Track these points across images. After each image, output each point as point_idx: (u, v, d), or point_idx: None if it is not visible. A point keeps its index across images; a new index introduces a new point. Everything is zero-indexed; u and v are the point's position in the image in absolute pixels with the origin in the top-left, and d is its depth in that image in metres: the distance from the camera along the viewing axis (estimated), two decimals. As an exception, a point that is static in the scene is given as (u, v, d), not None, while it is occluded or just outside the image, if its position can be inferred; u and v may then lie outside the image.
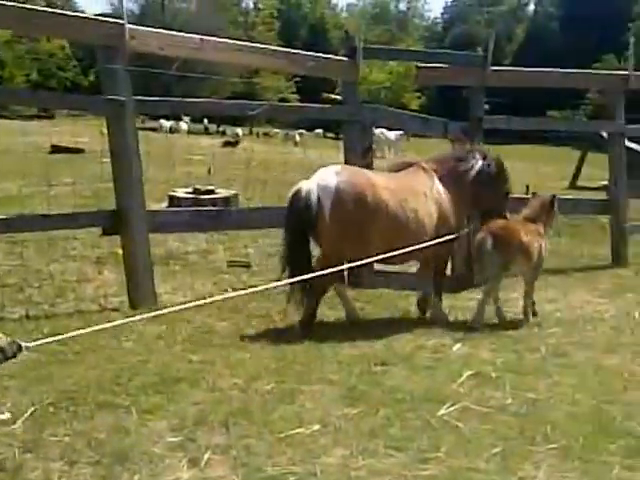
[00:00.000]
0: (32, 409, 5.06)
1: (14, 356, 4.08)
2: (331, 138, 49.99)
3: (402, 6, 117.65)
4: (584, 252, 12.08)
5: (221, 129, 56.67)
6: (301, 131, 50.53)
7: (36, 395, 5.30)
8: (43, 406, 5.12)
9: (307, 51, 9.60)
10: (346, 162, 9.24)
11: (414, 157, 9.08)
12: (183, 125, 48.00)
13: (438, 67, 10.29)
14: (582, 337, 7.36)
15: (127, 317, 5.82)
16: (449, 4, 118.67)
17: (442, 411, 5.27)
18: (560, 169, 28.61)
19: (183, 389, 5.53)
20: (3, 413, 5.00)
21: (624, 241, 11.57)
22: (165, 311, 5.65)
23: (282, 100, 54.16)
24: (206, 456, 4.47)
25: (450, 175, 8.07)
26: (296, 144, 43.21)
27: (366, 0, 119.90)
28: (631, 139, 16.10)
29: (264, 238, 11.64)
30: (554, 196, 8.24)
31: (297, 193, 7.27)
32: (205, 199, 14.24)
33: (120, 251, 8.30)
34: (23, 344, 4.14)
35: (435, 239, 7.64)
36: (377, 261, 7.47)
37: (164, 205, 14.35)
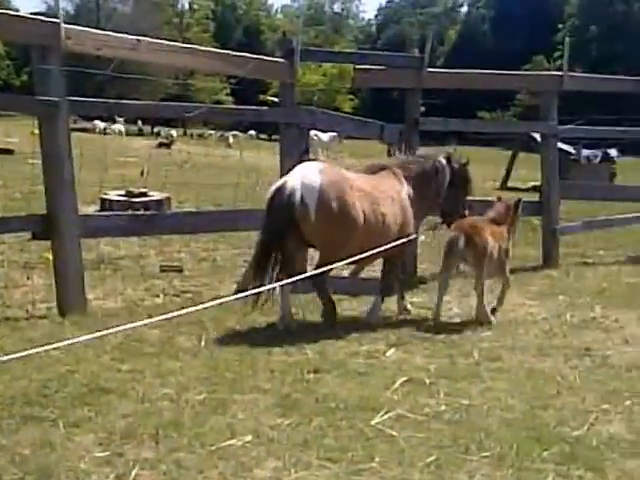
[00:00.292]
0: (-48, 424, 4.87)
1: None
2: (265, 139, 49.89)
3: (337, 7, 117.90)
4: (515, 253, 12.03)
5: (155, 130, 56.14)
6: (235, 133, 50.36)
7: (-43, 409, 5.11)
8: (-36, 420, 4.94)
9: (242, 52, 9.49)
10: (282, 165, 9.22)
11: (387, 160, 9.18)
12: (118, 126, 47.43)
13: (375, 69, 10.26)
14: (515, 340, 7.38)
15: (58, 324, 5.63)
16: (383, 6, 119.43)
17: (376, 419, 5.21)
18: (490, 170, 28.90)
19: (112, 400, 5.38)
20: None
21: (555, 242, 11.68)
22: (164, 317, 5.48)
23: (217, 102, 53.94)
24: (134, 472, 4.32)
25: (417, 178, 8.33)
26: (230, 146, 43.02)
27: (301, 1, 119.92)
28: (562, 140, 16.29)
29: (196, 242, 11.50)
30: (519, 200, 8.60)
31: (280, 190, 7.28)
32: (138, 202, 14.02)
33: (50, 255, 8.07)
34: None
35: (397, 240, 7.87)
36: (348, 264, 7.70)
37: (95, 208, 14.10)
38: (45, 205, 7.93)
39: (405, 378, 6.06)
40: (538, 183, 12.35)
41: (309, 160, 9.42)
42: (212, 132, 56.42)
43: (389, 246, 7.73)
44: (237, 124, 51.57)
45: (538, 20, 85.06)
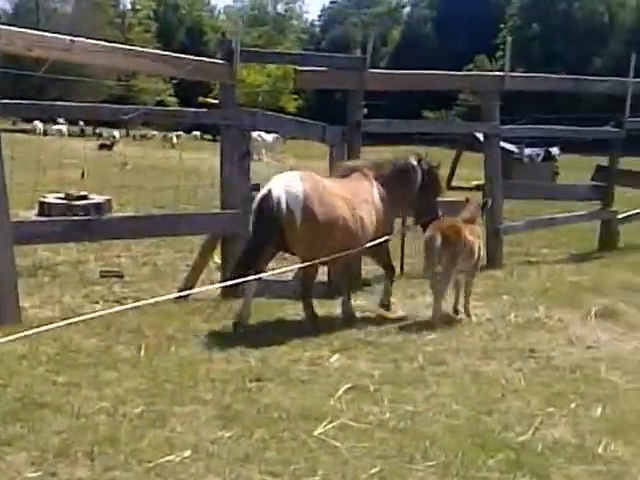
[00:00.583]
0: None
1: None
2: (209, 140, 49.55)
3: (280, 8, 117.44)
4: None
5: (97, 131, 55.37)
6: (179, 133, 49.94)
7: None
8: None
9: (184, 53, 9.30)
10: (222, 166, 9.16)
11: (356, 162, 9.08)
12: (59, 127, 46.68)
13: (317, 70, 10.15)
14: (459, 343, 7.32)
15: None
16: (326, 6, 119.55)
17: (319, 430, 5.10)
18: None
19: (46, 416, 5.17)
20: None
21: (499, 242, 11.68)
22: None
23: (159, 102, 53.37)
24: (67, 492, 4.16)
25: (387, 179, 8.49)
26: (173, 146, 42.63)
27: (244, 2, 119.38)
28: (505, 139, 16.36)
29: (137, 246, 11.27)
30: (486, 201, 8.92)
31: (267, 198, 7.46)
32: (77, 205, 13.74)
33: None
34: None
35: (373, 241, 8.14)
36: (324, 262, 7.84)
37: (33, 212, 13.78)
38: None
39: (349, 385, 5.96)
40: (482, 182, 12.33)
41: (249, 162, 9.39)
42: (155, 133, 55.85)
43: (354, 252, 7.96)
44: (181, 125, 51.10)
45: (480, 20, 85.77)
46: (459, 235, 8.03)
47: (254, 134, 28.36)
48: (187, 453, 4.65)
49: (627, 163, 13.96)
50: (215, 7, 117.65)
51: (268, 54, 14.48)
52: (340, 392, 5.81)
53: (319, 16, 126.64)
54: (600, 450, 4.94)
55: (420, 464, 4.66)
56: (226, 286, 7.38)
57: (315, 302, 8.55)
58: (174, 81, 51.20)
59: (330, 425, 5.18)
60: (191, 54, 9.34)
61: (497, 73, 12.19)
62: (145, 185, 14.47)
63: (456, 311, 8.40)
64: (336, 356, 6.76)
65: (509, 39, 12.65)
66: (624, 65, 12.99)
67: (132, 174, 15.96)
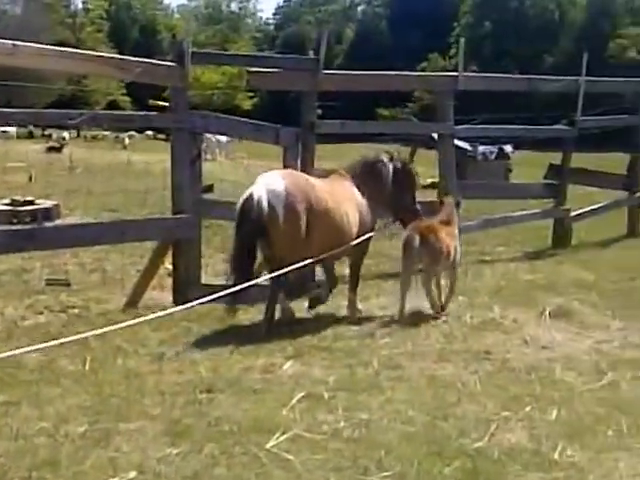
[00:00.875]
0: None
1: None
2: (162, 139, 49.08)
3: (234, 6, 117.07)
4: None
5: (47, 133, 54.41)
6: (131, 133, 49.36)
7: None
8: None
9: (138, 53, 9.09)
10: (173, 170, 8.97)
11: (334, 166, 9.13)
12: (7, 129, 45.90)
13: (269, 72, 9.99)
14: (415, 346, 7.20)
15: None
16: (281, 4, 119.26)
17: (271, 442, 4.95)
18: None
19: (-18, 439, 4.93)
20: None
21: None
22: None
23: (112, 102, 52.73)
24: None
25: (362, 180, 8.57)
26: (125, 147, 42.15)
27: (198, 0, 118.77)
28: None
29: (85, 252, 11.00)
30: (459, 201, 9.00)
31: (248, 200, 7.54)
32: (24, 211, 13.43)
33: None
34: None
35: (355, 240, 8.26)
36: (310, 264, 8.01)
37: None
38: None
39: (303, 393, 5.81)
40: (436, 180, 12.28)
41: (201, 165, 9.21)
42: (107, 133, 55.11)
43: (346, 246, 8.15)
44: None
45: (434, 18, 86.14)
46: (436, 235, 8.17)
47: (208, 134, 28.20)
48: (132, 474, 4.46)
49: (578, 159, 13.97)
50: (169, 6, 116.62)
51: (220, 56, 14.32)
52: (294, 401, 5.66)
53: (273, 14, 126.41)
54: (556, 456, 4.85)
55: (375, 475, 4.55)
56: (229, 294, 7.17)
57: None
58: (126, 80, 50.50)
59: (283, 437, 5.03)
60: (144, 53, 9.14)
61: (451, 73, 12.13)
62: (95, 188, 14.18)
63: (442, 308, 8.44)
64: (289, 363, 6.61)
65: (462, 40, 12.66)
66: (575, 63, 13.05)
67: (82, 177, 15.66)
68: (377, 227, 8.96)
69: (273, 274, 7.50)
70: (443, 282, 8.66)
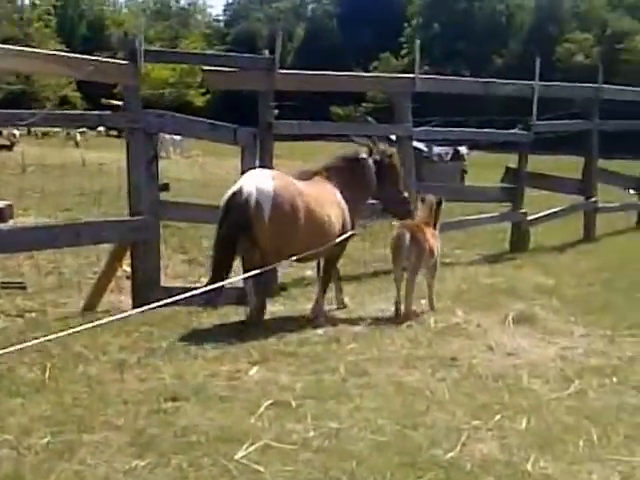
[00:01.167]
0: None
1: None
2: (114, 136, 48.44)
3: (183, 2, 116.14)
4: (376, 256, 11.95)
5: (-4, 130, 53.40)
6: (83, 130, 48.58)
7: None
8: None
9: (86, 49, 8.89)
10: (130, 171, 8.77)
11: (312, 167, 9.10)
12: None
13: (225, 71, 9.86)
14: (380, 352, 7.13)
15: None
16: (230, 1, 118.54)
17: (240, 453, 4.84)
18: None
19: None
20: None
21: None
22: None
23: (63, 98, 51.90)
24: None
25: (344, 178, 8.67)
26: (77, 144, 41.54)
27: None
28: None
29: (40, 253, 10.73)
30: (440, 200, 9.05)
31: (236, 195, 7.68)
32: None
33: None
34: None
35: (337, 237, 8.39)
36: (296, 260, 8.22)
37: None
38: None
39: (270, 401, 5.71)
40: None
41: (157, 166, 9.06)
42: (58, 130, 54.23)
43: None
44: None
45: (385, 17, 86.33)
46: (424, 235, 8.39)
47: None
48: (99, 488, 4.34)
49: (534, 162, 14.04)
50: (116, 1, 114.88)
51: (174, 54, 14.12)
52: (261, 409, 5.55)
53: (224, 11, 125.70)
54: (529, 467, 4.80)
55: (348, 487, 4.46)
56: (209, 290, 7.24)
57: (232, 309, 8.38)
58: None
59: (252, 447, 4.92)
60: (93, 49, 8.95)
61: (408, 75, 12.11)
62: (49, 188, 13.86)
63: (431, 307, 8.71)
64: (255, 369, 6.50)
65: (418, 42, 12.59)
66: (523, 65, 13.16)
67: (35, 176, 15.31)
68: (357, 227, 9.02)
69: (249, 274, 7.64)
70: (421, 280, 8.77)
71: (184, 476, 4.52)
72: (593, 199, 15.02)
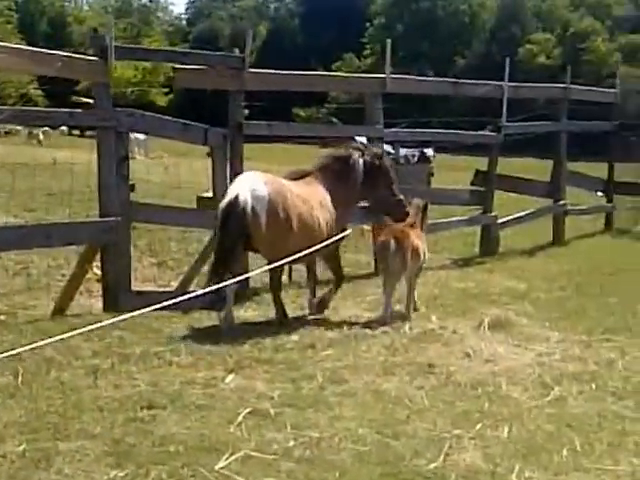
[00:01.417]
0: None
1: None
2: (77, 136, 47.95)
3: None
4: (346, 260, 11.83)
5: (-43, 128, 52.46)
6: (46, 129, 47.96)
7: None
8: None
9: (48, 46, 8.67)
10: (100, 171, 8.58)
11: (304, 168, 9.14)
12: None
13: (197, 69, 9.74)
14: (357, 359, 7.05)
15: None
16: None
17: (221, 463, 4.75)
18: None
19: None
20: None
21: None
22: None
23: (23, 96, 51.19)
24: None
25: (335, 181, 8.73)
26: (41, 143, 40.99)
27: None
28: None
29: (7, 254, 10.48)
30: (426, 203, 9.21)
31: (232, 203, 7.81)
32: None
33: None
34: None
35: (329, 237, 8.43)
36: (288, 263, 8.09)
37: None
38: None
39: (249, 410, 5.61)
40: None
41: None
42: (20, 128, 53.44)
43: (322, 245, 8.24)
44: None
45: (347, 17, 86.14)
46: (409, 239, 8.47)
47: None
48: (78, 500, 4.22)
49: (501, 163, 14.03)
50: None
51: (145, 51, 13.95)
52: (240, 418, 5.46)
53: (186, 9, 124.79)
54: (514, 477, 4.76)
55: (331, 500, 4.39)
56: (207, 293, 7.10)
57: (203, 314, 8.27)
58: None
59: (232, 457, 4.84)
60: (54, 46, 8.74)
61: (378, 75, 12.06)
62: (14, 187, 13.55)
63: (415, 309, 8.85)
64: (231, 376, 6.39)
65: (389, 40, 12.55)
66: (487, 65, 13.18)
67: (1, 175, 14.96)
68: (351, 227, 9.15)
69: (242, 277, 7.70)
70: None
71: (164, 488, 4.41)
72: (562, 202, 15.08)
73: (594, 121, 17.49)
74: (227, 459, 4.80)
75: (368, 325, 8.21)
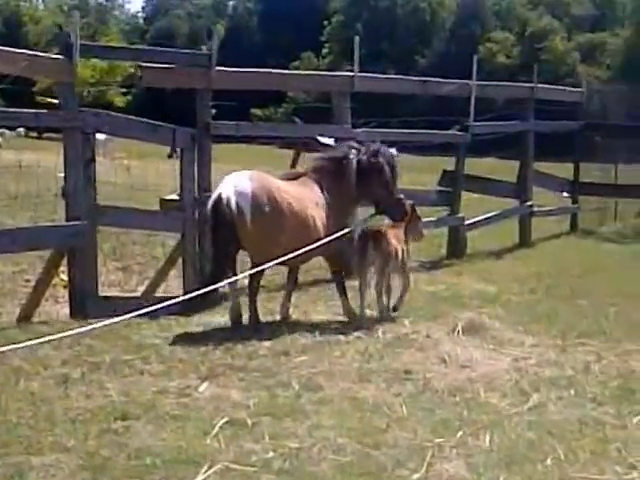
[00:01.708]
0: None
1: None
2: (34, 138, 47.27)
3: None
4: (314, 263, 11.68)
5: None
6: (2, 130, 47.22)
7: None
8: None
9: (3, 45, 8.42)
10: (67, 173, 8.39)
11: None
12: None
13: (163, 68, 9.57)
14: (332, 365, 6.94)
15: None
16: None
17: (200, 477, 4.64)
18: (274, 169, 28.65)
19: None
20: None
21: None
22: None
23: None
24: None
25: (332, 180, 8.64)
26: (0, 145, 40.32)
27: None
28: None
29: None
30: (413, 204, 9.23)
31: (217, 202, 7.81)
32: None
33: None
34: None
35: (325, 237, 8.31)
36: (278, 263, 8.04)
37: None
38: None
39: (225, 419, 5.49)
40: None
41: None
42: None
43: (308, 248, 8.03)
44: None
45: (306, 16, 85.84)
46: (387, 240, 8.47)
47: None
48: (54, 517, 4.07)
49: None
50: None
51: (111, 49, 13.73)
52: (216, 429, 5.33)
53: (143, 7, 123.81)
54: (499, 488, 4.70)
55: (315, 513, 4.28)
56: (200, 295, 7.17)
57: (172, 320, 8.15)
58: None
59: (211, 470, 4.71)
60: (9, 46, 8.49)
61: (346, 73, 11.97)
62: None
63: (395, 309, 8.91)
64: (205, 384, 6.26)
65: (357, 38, 12.41)
66: (447, 63, 13.21)
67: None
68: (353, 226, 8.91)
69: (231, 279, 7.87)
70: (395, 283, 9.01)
71: (143, 504, 4.28)
72: (529, 203, 15.10)
73: (559, 121, 17.57)
74: (205, 472, 4.68)
75: (341, 330, 8.10)
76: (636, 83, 32.04)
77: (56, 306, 8.79)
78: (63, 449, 4.91)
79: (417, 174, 19.49)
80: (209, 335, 7.79)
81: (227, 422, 5.46)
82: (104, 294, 8.75)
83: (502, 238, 14.83)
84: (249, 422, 5.49)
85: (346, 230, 8.66)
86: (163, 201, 12.83)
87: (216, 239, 7.99)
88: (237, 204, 7.75)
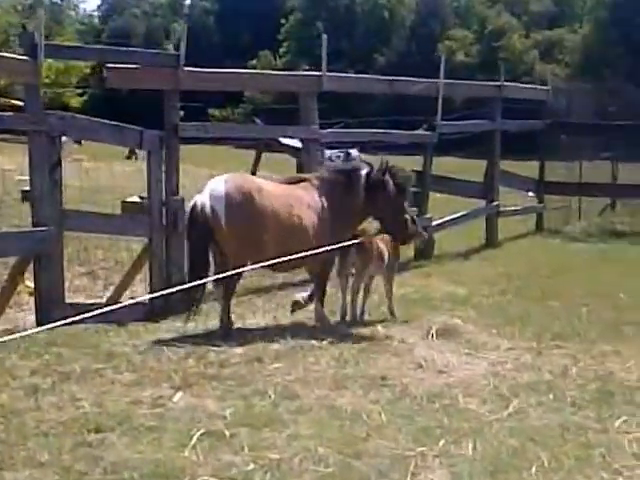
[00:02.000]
0: None
1: None
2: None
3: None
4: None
5: None
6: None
7: None
8: None
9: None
10: (32, 177, 8.26)
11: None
12: None
13: (130, 68, 9.39)
14: (307, 372, 6.83)
15: None
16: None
17: (180, 492, 4.49)
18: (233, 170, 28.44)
19: None
20: None
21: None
22: None
23: None
24: None
25: (331, 188, 8.53)
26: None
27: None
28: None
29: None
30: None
31: (194, 208, 7.83)
32: None
33: None
34: None
35: (319, 247, 8.01)
36: (267, 266, 8.03)
37: None
38: None
39: (202, 431, 5.34)
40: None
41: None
42: None
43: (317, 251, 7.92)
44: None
45: (263, 15, 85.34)
46: (370, 242, 8.59)
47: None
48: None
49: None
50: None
51: (76, 49, 13.45)
52: (194, 440, 5.18)
53: (98, 6, 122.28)
54: (486, 498, 4.63)
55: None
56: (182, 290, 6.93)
57: (140, 327, 8.01)
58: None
59: (191, 484, 4.58)
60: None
61: (315, 73, 11.88)
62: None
63: (363, 312, 8.96)
64: (179, 394, 6.12)
65: (325, 36, 12.34)
66: (407, 62, 13.24)
67: None
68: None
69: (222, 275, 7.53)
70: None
71: (122, 521, 4.14)
72: (495, 203, 15.10)
73: (526, 120, 17.65)
74: (185, 487, 4.55)
75: (313, 335, 7.99)
76: (597, 81, 32.38)
77: (20, 313, 8.58)
78: (37, 464, 4.76)
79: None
80: (179, 342, 7.63)
81: (204, 433, 5.32)
82: (70, 301, 8.54)
83: (469, 238, 14.84)
84: (227, 433, 5.36)
85: (342, 244, 8.37)
86: (125, 204, 12.64)
87: (194, 245, 8.00)
88: (211, 207, 7.72)
